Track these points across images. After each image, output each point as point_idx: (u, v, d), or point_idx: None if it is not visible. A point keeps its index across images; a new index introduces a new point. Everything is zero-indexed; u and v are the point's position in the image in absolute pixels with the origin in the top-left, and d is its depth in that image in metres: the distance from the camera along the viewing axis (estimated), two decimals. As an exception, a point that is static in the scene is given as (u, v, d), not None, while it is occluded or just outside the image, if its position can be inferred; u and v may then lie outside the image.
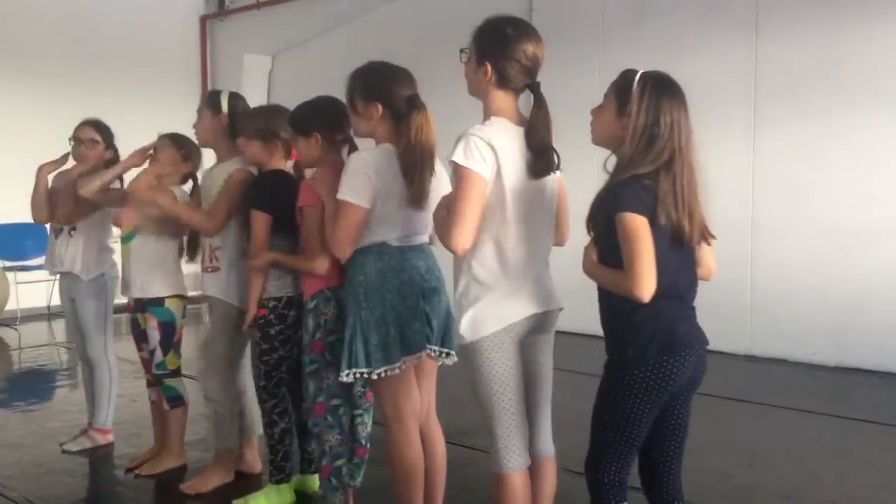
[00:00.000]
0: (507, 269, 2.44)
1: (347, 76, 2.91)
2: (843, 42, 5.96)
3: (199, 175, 3.94)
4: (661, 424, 2.38)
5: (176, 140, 3.86)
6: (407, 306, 2.80)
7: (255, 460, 3.91)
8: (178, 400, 3.94)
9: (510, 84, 2.46)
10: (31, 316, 8.56)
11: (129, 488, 3.87)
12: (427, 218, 2.82)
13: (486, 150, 2.36)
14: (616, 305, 2.29)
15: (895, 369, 5.76)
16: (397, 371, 2.82)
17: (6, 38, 8.53)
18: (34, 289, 8.32)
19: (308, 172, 3.35)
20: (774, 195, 6.30)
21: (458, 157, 2.35)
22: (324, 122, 3.07)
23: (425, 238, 2.95)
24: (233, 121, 3.64)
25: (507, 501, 2.48)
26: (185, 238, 3.94)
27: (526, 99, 2.50)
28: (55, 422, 4.88)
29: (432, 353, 2.83)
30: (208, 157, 3.87)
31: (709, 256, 2.44)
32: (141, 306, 3.93)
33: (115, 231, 4.30)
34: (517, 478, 2.49)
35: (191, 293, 3.97)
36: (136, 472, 3.97)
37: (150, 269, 3.84)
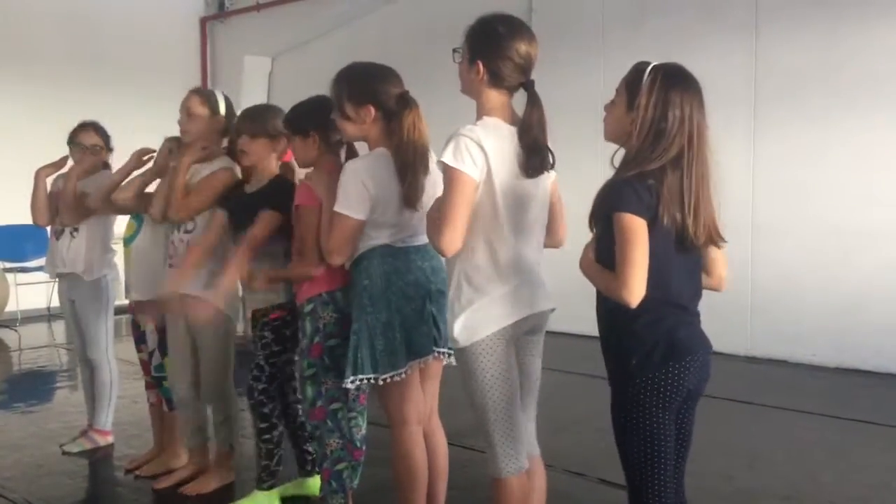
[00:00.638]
0: (499, 271, 2.43)
1: (331, 80, 2.87)
2: (843, 44, 5.96)
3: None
4: None
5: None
6: (413, 309, 2.78)
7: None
8: (177, 402, 3.95)
9: (503, 83, 2.44)
10: (31, 317, 8.55)
11: (128, 489, 3.87)
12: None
13: (476, 150, 2.34)
14: (615, 314, 2.19)
15: (895, 370, 5.76)
16: (403, 376, 2.81)
17: (6, 39, 8.51)
18: (34, 290, 8.34)
19: (301, 173, 3.33)
20: (774, 196, 6.31)
21: (448, 158, 2.33)
22: (321, 121, 3.04)
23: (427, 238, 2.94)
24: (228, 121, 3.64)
25: (506, 506, 2.47)
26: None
27: (521, 98, 2.48)
28: (55, 423, 4.89)
29: (440, 356, 2.82)
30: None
31: (720, 265, 2.35)
32: (142, 308, 3.93)
33: (117, 232, 4.31)
34: (515, 482, 2.47)
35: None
36: (136, 473, 3.97)
37: (152, 272, 3.82)
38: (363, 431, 3.24)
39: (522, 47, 2.43)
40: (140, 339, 4.00)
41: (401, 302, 2.79)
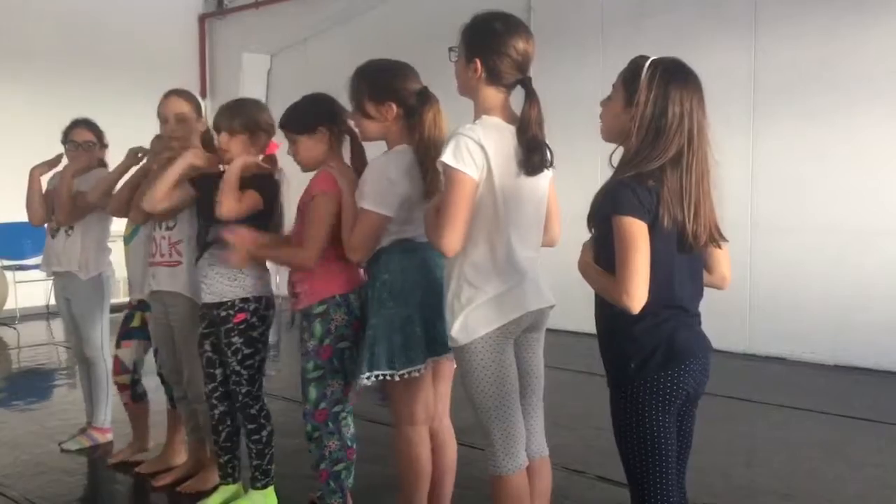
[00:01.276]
0: (498, 269, 2.42)
1: (349, 78, 2.84)
2: (843, 42, 5.95)
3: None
4: None
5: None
6: (433, 304, 2.76)
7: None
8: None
9: (501, 80, 2.44)
10: (29, 315, 8.56)
11: (127, 487, 3.87)
12: None
13: (476, 150, 2.34)
14: (614, 316, 2.14)
15: (894, 368, 5.76)
16: (420, 372, 2.79)
17: (5, 37, 8.51)
18: (33, 288, 8.35)
19: (292, 172, 3.29)
20: (774, 194, 6.30)
21: (448, 158, 2.33)
22: (327, 115, 3.02)
23: None
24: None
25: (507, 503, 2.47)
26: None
27: (518, 97, 2.47)
28: (54, 421, 4.89)
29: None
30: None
31: (722, 263, 2.32)
32: (144, 306, 3.91)
33: (114, 231, 4.30)
34: (515, 479, 2.47)
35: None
36: (136, 470, 3.96)
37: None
38: (352, 430, 3.23)
39: (520, 44, 2.42)
40: (124, 336, 4.00)
41: (422, 297, 2.78)
